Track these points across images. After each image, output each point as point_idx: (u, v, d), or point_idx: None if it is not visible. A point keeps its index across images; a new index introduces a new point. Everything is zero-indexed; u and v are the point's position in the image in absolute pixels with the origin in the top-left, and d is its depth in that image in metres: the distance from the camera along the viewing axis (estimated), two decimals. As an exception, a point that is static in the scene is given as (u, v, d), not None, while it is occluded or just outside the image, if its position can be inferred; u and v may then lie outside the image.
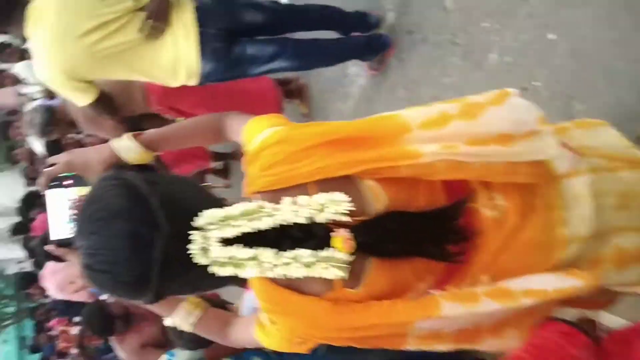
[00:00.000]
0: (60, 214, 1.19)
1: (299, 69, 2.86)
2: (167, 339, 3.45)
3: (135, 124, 4.52)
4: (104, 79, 2.56)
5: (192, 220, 0.87)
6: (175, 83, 2.59)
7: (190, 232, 0.86)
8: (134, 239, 0.84)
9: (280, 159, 0.95)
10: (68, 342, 7.76)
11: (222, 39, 2.50)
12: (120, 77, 2.54)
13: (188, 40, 2.42)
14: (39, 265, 7.26)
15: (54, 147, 4.50)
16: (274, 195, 0.94)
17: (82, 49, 2.31)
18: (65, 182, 1.19)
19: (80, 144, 4.32)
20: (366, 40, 2.89)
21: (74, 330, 7.73)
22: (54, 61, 2.34)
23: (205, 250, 0.86)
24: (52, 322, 7.84)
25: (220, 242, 0.87)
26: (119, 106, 2.91)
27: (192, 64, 2.48)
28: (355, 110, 3.37)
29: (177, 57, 2.45)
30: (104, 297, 5.61)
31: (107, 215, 0.86)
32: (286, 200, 0.90)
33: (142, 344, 3.46)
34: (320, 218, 0.89)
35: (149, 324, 3.46)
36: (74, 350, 7.46)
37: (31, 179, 7.17)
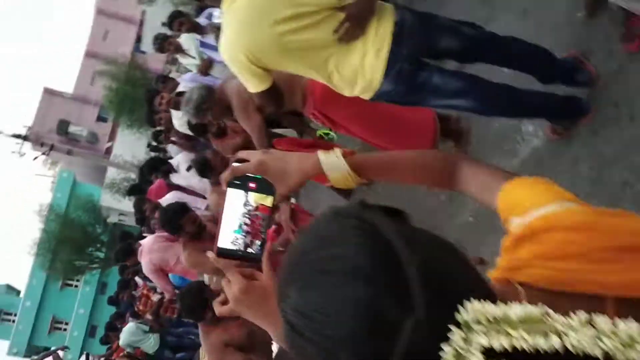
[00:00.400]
0: (233, 220, 0.99)
1: (478, 112, 2.58)
2: (251, 344, 3.30)
3: (273, 122, 4.45)
4: (279, 70, 2.42)
5: (455, 310, 0.61)
6: (348, 92, 2.42)
7: (450, 326, 0.60)
8: (374, 315, 0.58)
9: (576, 251, 0.67)
10: (145, 307, 7.92)
11: (412, 62, 2.29)
12: (297, 72, 2.41)
13: (378, 54, 2.23)
14: (140, 223, 7.47)
15: (199, 129, 4.51)
16: (549, 297, 0.66)
17: (272, 36, 2.19)
18: (250, 184, 1.00)
19: (224, 130, 4.29)
20: (562, 101, 2.55)
21: (155, 297, 7.87)
22: (240, 41, 2.24)
23: (460, 357, 0.60)
24: (140, 285, 8.03)
25: (483, 352, 0.60)
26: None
27: (373, 79, 2.29)
28: (518, 172, 3.02)
29: (361, 68, 2.27)
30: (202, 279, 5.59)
31: (341, 269, 0.62)
32: (579, 317, 0.62)
33: (225, 343, 3.36)
34: (622, 357, 0.61)
35: (238, 325, 3.34)
36: (149, 316, 7.59)
37: (160, 143, 7.39)
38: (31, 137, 24.83)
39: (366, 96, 2.42)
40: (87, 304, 29.23)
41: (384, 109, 3.11)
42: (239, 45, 2.25)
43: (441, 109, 2.72)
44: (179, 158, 5.97)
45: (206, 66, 5.52)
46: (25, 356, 28.75)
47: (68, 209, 27.06)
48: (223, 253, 1.00)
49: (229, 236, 0.99)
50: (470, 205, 3.22)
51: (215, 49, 5.21)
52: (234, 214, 0.99)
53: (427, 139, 3.28)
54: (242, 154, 1.03)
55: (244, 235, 0.99)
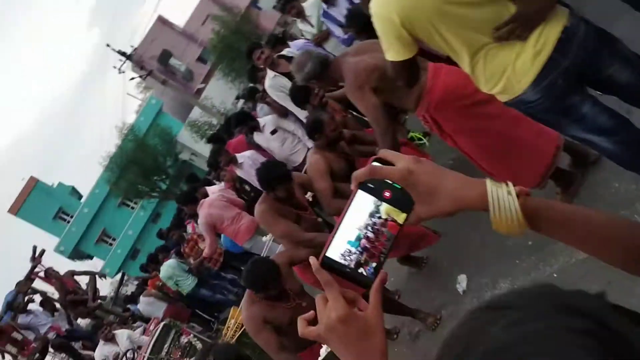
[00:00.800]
0: (352, 229, 0.81)
1: (615, 158, 2.29)
2: (290, 330, 3.17)
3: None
4: (427, 41, 2.23)
5: None
6: (485, 87, 2.21)
7: None
8: None
9: None
10: (191, 251, 8.01)
11: (568, 78, 2.05)
12: (446, 49, 2.20)
13: (535, 59, 2.01)
14: (211, 169, 7.55)
15: (300, 99, 4.40)
16: None
17: (435, 2, 2.03)
18: (386, 193, 0.81)
19: (324, 105, 4.15)
20: None
21: (202, 245, 7.92)
22: (399, 1, 2.09)
23: None
24: (192, 226, 8.10)
25: None
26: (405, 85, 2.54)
27: (519, 83, 2.08)
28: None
29: (511, 66, 2.07)
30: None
31: None
32: None
33: (265, 320, 3.26)
34: None
35: (285, 309, 3.22)
36: (191, 260, 7.66)
37: (253, 100, 7.38)
38: (134, 58, 25.74)
39: (502, 98, 2.20)
40: (137, 228, 30.31)
41: (503, 129, 2.85)
42: (395, 4, 2.09)
43: (577, 142, 2.42)
44: (267, 119, 5.89)
45: (323, 38, 5.38)
46: (68, 257, 30.24)
47: (147, 134, 28.02)
48: (328, 264, 0.81)
49: (341, 246, 0.81)
50: (561, 260, 2.94)
51: (337, 22, 5.07)
52: (356, 222, 0.81)
53: (536, 170, 2.96)
54: (386, 154, 0.83)
55: (359, 251, 0.81)
